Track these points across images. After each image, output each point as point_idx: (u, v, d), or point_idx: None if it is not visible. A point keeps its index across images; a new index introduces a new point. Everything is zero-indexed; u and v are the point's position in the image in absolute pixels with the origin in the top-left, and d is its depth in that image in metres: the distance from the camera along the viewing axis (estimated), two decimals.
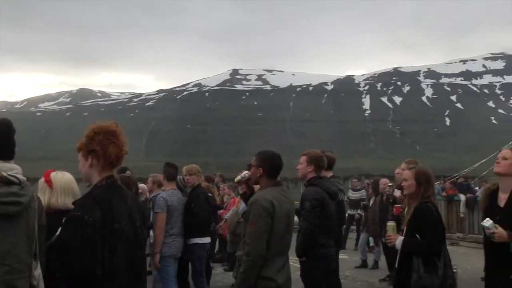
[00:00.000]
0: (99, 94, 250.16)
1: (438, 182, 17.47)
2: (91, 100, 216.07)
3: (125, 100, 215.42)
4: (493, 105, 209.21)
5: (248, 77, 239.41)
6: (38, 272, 2.42)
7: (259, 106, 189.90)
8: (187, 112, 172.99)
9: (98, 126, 2.39)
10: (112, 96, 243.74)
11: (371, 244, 8.65)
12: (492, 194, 3.52)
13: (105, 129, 2.37)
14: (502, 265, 3.26)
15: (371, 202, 9.24)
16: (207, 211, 5.74)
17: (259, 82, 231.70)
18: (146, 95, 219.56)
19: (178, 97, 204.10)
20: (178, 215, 5.22)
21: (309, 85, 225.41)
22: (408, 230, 3.70)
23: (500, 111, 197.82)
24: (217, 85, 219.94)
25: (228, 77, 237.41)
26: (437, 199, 13.11)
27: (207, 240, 5.80)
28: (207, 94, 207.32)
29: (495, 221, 3.22)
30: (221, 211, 8.16)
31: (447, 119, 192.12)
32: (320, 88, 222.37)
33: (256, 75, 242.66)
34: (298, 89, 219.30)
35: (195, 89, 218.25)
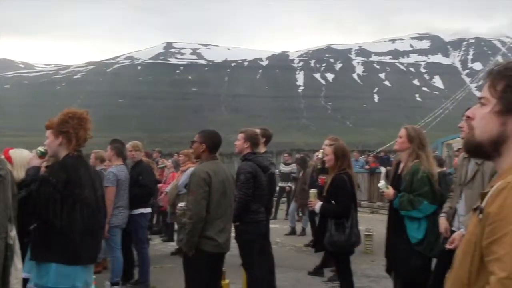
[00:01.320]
0: (22, 66, 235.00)
1: (364, 156, 18.83)
2: (12, 72, 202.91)
3: (51, 72, 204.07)
4: (418, 83, 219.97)
5: (182, 51, 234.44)
6: (13, 233, 2.83)
7: (193, 80, 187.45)
8: (118, 86, 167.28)
9: (73, 112, 2.85)
10: (36, 67, 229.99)
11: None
12: (398, 164, 4.29)
13: (79, 116, 2.83)
14: (396, 225, 4.03)
15: (300, 175, 10.04)
16: (153, 183, 6.19)
17: (194, 56, 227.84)
18: (73, 67, 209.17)
19: (108, 70, 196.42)
20: (125, 189, 5.62)
21: (244, 60, 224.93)
22: (326, 196, 4.40)
23: (424, 89, 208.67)
24: (150, 59, 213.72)
25: (162, 50, 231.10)
26: (361, 171, 14.28)
27: (149, 210, 6.29)
28: (139, 67, 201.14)
29: (393, 186, 3.99)
30: (161, 184, 8.58)
31: (375, 95, 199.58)
32: (255, 63, 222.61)
33: (191, 49, 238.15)
34: (233, 64, 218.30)
35: (126, 62, 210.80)
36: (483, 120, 1.26)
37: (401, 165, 4.15)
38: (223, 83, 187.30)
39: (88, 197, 2.88)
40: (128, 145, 6.04)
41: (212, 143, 3.96)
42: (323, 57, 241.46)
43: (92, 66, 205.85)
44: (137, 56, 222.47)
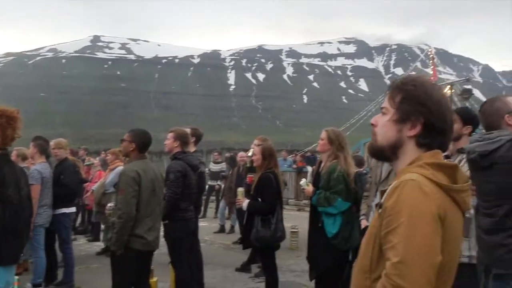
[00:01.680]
0: None
1: (292, 156, 19.35)
2: None
3: None
4: (344, 86, 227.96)
5: (110, 45, 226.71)
6: None
7: (122, 76, 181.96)
8: (41, 79, 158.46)
9: (2, 110, 2.77)
10: None
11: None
12: (320, 163, 4.58)
13: (8, 114, 2.76)
14: (315, 221, 4.30)
15: (229, 174, 10.19)
16: (76, 183, 6.04)
17: (123, 51, 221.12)
18: None
19: (30, 62, 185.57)
20: (49, 187, 5.46)
21: (175, 57, 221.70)
22: (253, 194, 4.57)
23: (350, 91, 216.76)
24: (75, 52, 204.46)
25: (89, 43, 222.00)
26: (289, 170, 14.68)
27: (73, 209, 6.14)
28: (64, 60, 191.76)
29: (313, 184, 4.27)
30: (87, 183, 8.37)
31: (305, 96, 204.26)
32: (186, 61, 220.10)
33: (120, 43, 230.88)
34: (164, 60, 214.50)
35: (50, 54, 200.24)
36: (384, 128, 1.46)
37: (322, 165, 4.44)
38: (153, 80, 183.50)
39: (11, 195, 2.82)
40: (52, 143, 5.87)
41: (142, 143, 3.99)
42: (255, 57, 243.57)
43: (11, 57, 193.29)
44: (61, 48, 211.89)
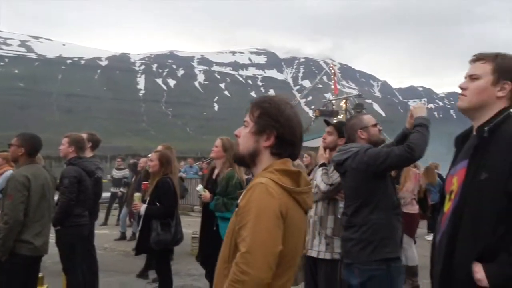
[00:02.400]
0: None
1: (198, 163, 19.46)
2: None
3: None
4: (255, 95, 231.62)
5: (8, 41, 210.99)
6: None
7: (21, 75, 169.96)
8: None
9: None
10: None
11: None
12: (213, 170, 4.79)
13: None
14: (209, 225, 4.51)
15: (132, 180, 10.07)
16: None
17: (23, 49, 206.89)
18: None
19: None
20: None
21: (81, 58, 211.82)
22: (150, 199, 4.66)
23: None
24: None
25: None
26: (195, 177, 14.74)
27: None
28: None
29: (208, 189, 4.48)
30: None
31: (215, 104, 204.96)
32: (93, 62, 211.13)
33: (20, 40, 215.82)
34: (68, 61, 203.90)
35: None
36: (245, 138, 1.71)
37: (216, 171, 4.66)
38: (56, 81, 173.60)
39: None
40: None
41: (31, 147, 3.91)
42: (166, 62, 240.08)
43: None
44: None
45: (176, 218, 4.67)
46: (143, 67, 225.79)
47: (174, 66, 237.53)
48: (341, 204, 3.30)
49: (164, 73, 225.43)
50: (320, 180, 3.35)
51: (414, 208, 6.24)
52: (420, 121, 2.79)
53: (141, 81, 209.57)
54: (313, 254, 3.36)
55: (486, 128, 1.83)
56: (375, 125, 3.16)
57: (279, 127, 1.64)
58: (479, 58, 1.93)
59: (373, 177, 2.86)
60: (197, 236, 8.53)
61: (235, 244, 1.56)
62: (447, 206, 1.92)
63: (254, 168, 1.71)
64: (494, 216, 1.71)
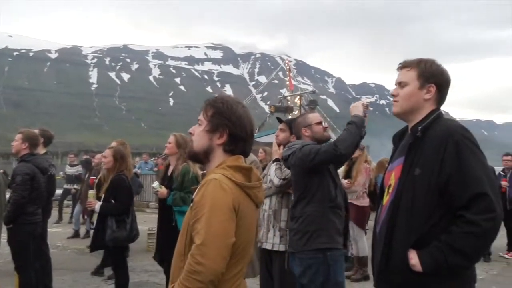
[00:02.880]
0: None
1: (153, 159, 19.27)
2: None
3: None
4: (211, 90, 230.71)
5: None
6: None
7: None
8: None
9: None
10: None
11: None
12: (168, 166, 4.85)
13: None
14: (166, 220, 4.58)
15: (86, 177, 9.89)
16: None
17: None
18: None
19: None
20: None
21: (30, 50, 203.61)
22: (105, 196, 4.65)
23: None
24: None
25: None
26: (150, 173, 14.61)
27: None
28: None
29: (164, 185, 4.54)
30: None
31: (171, 99, 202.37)
32: (42, 55, 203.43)
33: None
34: (15, 53, 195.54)
35: None
36: (198, 136, 1.81)
37: (171, 168, 4.72)
38: (2, 73, 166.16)
39: None
40: None
41: None
42: (119, 56, 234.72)
43: None
44: None
45: (131, 215, 4.69)
46: (95, 60, 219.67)
47: (128, 59, 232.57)
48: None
49: (118, 67, 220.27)
50: (273, 175, 3.50)
51: (365, 201, 6.53)
52: (352, 119, 2.99)
53: (93, 75, 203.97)
54: (268, 246, 3.51)
55: (419, 127, 2.01)
56: (319, 123, 3.34)
57: (232, 125, 1.75)
58: (404, 65, 2.11)
59: (308, 172, 3.08)
60: (153, 232, 8.51)
61: (191, 238, 1.65)
62: (386, 199, 2.10)
63: (208, 164, 1.82)
64: (426, 208, 1.89)
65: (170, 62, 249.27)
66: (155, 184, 4.64)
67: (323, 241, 3.04)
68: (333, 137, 3.61)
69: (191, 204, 1.69)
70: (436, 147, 1.91)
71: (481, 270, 6.98)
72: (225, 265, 1.60)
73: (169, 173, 4.70)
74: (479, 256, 1.93)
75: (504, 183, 7.97)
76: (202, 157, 1.81)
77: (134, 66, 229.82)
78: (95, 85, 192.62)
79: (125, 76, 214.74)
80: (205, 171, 5.54)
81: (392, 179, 2.09)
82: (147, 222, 11.26)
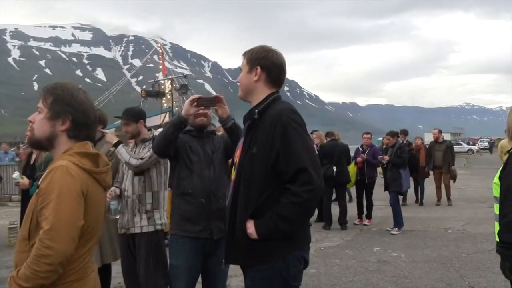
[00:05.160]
0: None
1: (14, 149, 17.78)
2: None
3: None
4: (81, 74, 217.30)
5: None
6: None
7: None
8: None
9: None
10: None
11: None
12: (30, 155, 4.62)
13: None
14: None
15: None
16: None
17: None
18: None
19: None
20: None
21: None
22: None
23: (87, 80, 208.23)
24: None
25: None
26: (11, 164, 13.51)
27: None
28: None
29: (26, 175, 4.35)
30: None
31: (35, 83, 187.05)
32: None
33: None
34: None
35: None
36: (40, 124, 1.81)
37: (33, 156, 4.51)
38: None
39: None
40: None
41: None
42: None
43: None
44: None
45: None
46: None
47: None
48: (156, 180, 3.60)
49: None
50: (128, 157, 3.54)
51: None
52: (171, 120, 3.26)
53: None
54: (136, 230, 3.54)
55: (256, 110, 2.24)
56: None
57: (74, 111, 1.79)
58: (243, 55, 2.35)
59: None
60: (15, 226, 8.00)
61: (36, 223, 1.68)
62: (233, 175, 2.31)
63: (53, 150, 1.84)
64: (261, 182, 2.13)
65: (32, 43, 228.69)
66: (16, 174, 4.40)
67: (172, 226, 3.29)
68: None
69: (37, 190, 1.71)
70: (268, 127, 2.13)
71: (338, 237, 7.79)
72: (74, 247, 1.65)
73: (31, 162, 4.49)
74: (303, 221, 2.20)
75: (359, 159, 8.90)
76: (46, 144, 1.83)
77: None
78: None
79: None
80: None
81: (236, 157, 2.31)
82: (9, 216, 10.48)
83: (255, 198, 2.13)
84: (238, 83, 2.35)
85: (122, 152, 3.58)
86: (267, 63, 2.27)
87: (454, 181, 11.39)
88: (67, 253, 1.62)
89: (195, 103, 2.91)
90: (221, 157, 3.32)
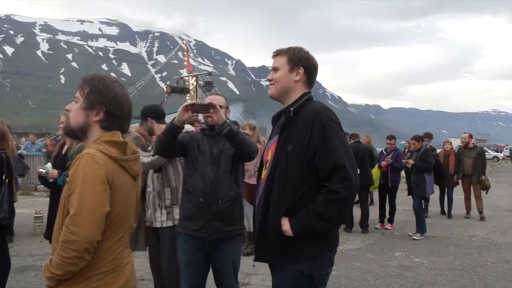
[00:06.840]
0: None
1: (42, 139, 18.13)
2: None
3: None
4: (106, 68, 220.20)
5: None
6: None
7: None
8: None
9: None
10: None
11: None
12: (62, 146, 4.70)
13: None
14: (58, 197, 4.47)
15: None
16: None
17: None
18: None
19: None
20: None
21: None
22: None
23: (113, 74, 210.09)
24: None
25: None
26: (38, 154, 13.79)
27: None
28: None
29: (56, 164, 4.44)
30: None
31: (62, 76, 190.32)
32: None
33: None
34: None
35: None
36: (75, 113, 1.85)
37: (65, 147, 4.59)
38: None
39: None
40: None
41: None
42: (2, 27, 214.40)
43: None
44: None
45: (2, 195, 4.39)
46: None
47: (11, 31, 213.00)
48: (173, 177, 3.68)
49: (0, 40, 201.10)
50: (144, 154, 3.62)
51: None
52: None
53: None
54: (158, 225, 3.66)
55: (291, 108, 2.25)
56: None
57: (108, 103, 1.82)
58: (277, 53, 2.35)
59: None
60: (40, 215, 8.18)
61: (67, 211, 1.70)
62: (264, 174, 2.32)
63: (86, 140, 1.87)
64: (297, 180, 2.13)
65: (60, 37, 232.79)
66: (49, 165, 4.46)
67: (178, 223, 3.36)
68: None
69: (67, 179, 1.74)
70: (305, 125, 2.15)
71: (359, 240, 7.72)
72: (100, 233, 1.66)
73: (63, 152, 4.58)
74: (338, 220, 2.22)
75: (384, 163, 8.76)
76: (79, 133, 1.85)
77: (19, 39, 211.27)
78: None
79: (9, 50, 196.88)
80: None
81: (269, 156, 2.31)
82: (34, 205, 10.70)
83: (290, 196, 2.14)
84: (270, 82, 2.35)
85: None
86: (309, 65, 2.31)
87: (486, 193, 10.22)
88: (91, 239, 1.63)
89: (189, 110, 2.96)
90: (229, 159, 3.18)
